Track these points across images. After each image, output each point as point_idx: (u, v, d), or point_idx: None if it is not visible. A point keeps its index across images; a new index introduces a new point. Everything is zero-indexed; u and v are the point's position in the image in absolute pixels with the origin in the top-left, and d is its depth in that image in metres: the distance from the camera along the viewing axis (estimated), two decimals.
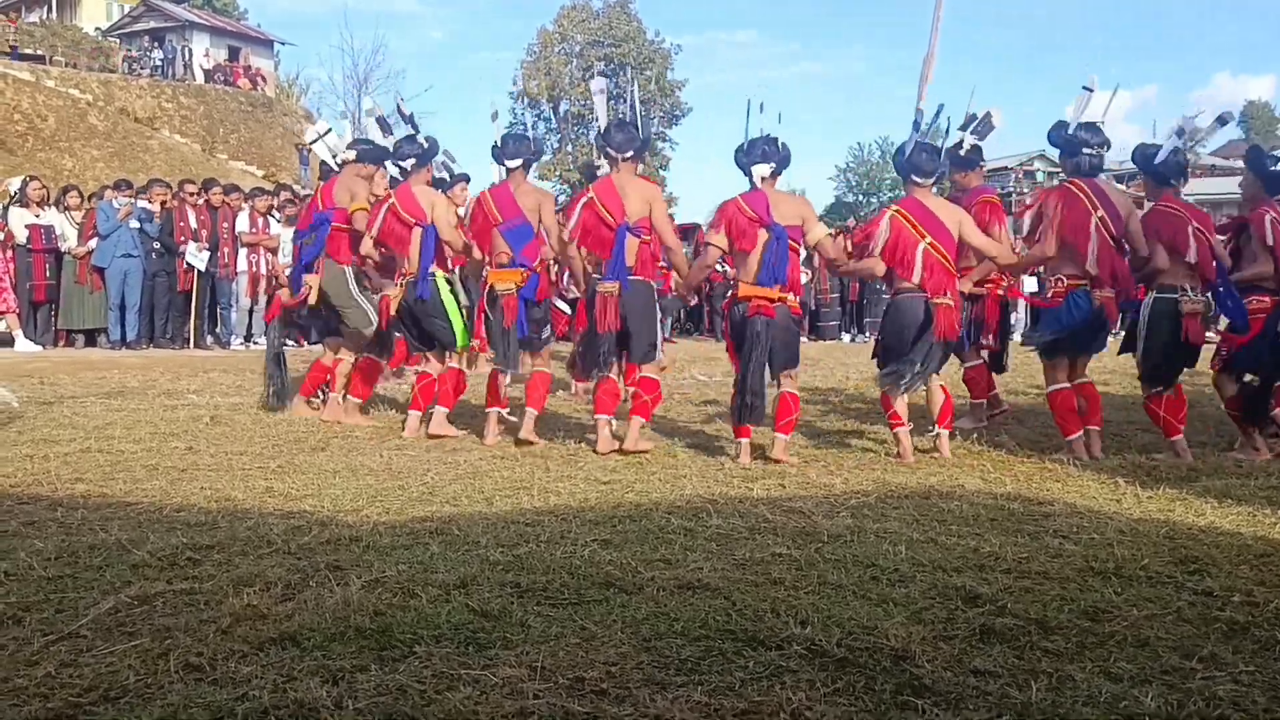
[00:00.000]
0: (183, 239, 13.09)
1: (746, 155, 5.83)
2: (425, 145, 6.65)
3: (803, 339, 7.14)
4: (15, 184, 13.72)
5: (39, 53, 35.98)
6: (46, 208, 13.14)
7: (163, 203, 13.42)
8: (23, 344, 12.57)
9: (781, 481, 5.13)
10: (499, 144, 6.37)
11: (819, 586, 3.34)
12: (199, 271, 13.17)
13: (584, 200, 5.98)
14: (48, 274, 12.94)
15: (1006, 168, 52.83)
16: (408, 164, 6.60)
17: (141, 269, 12.94)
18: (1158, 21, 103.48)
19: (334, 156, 7.37)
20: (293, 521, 4.13)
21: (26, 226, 12.74)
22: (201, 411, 7.35)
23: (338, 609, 3.01)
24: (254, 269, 13.53)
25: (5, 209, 13.01)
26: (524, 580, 3.34)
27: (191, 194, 13.55)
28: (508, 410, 6.31)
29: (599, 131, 6.29)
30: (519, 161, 6.35)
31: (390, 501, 4.59)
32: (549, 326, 6.59)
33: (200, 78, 40.17)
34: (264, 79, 42.83)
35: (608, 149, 6.09)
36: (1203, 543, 3.95)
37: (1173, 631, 2.97)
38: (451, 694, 2.47)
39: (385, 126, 7.02)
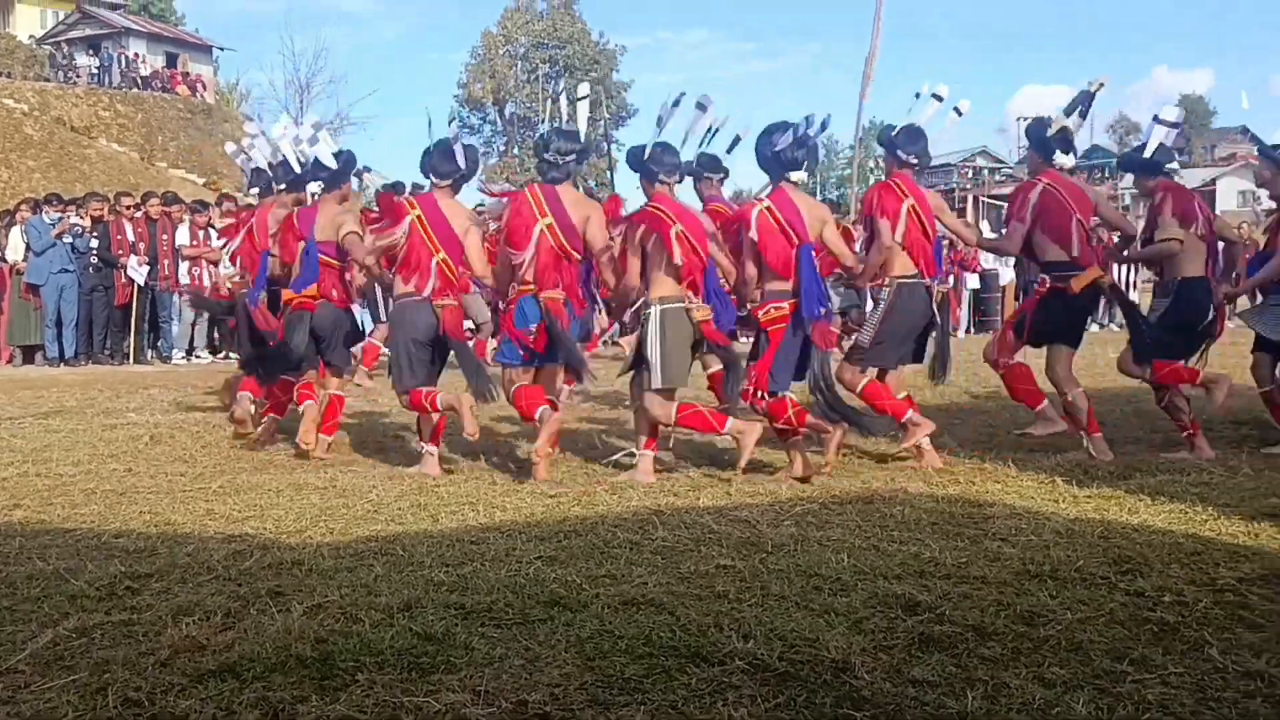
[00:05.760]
0: (121, 252, 12.88)
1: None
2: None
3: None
4: None
5: None
6: None
7: (98, 217, 13.20)
8: None
9: (728, 490, 5.16)
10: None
11: (762, 598, 3.38)
12: (138, 285, 12.97)
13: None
14: None
15: (950, 164, 53.42)
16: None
17: (77, 284, 12.75)
18: (1097, 14, 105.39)
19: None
20: (234, 545, 4.09)
21: None
22: (141, 431, 7.24)
23: (278, 637, 2.99)
24: (196, 282, 13.34)
25: None
26: (468, 601, 3.33)
27: (129, 207, 13.34)
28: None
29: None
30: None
31: (334, 521, 4.55)
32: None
33: (138, 84, 39.57)
34: (203, 85, 42.28)
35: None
36: (1136, 542, 4.03)
37: (1105, 634, 3.03)
38: None
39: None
